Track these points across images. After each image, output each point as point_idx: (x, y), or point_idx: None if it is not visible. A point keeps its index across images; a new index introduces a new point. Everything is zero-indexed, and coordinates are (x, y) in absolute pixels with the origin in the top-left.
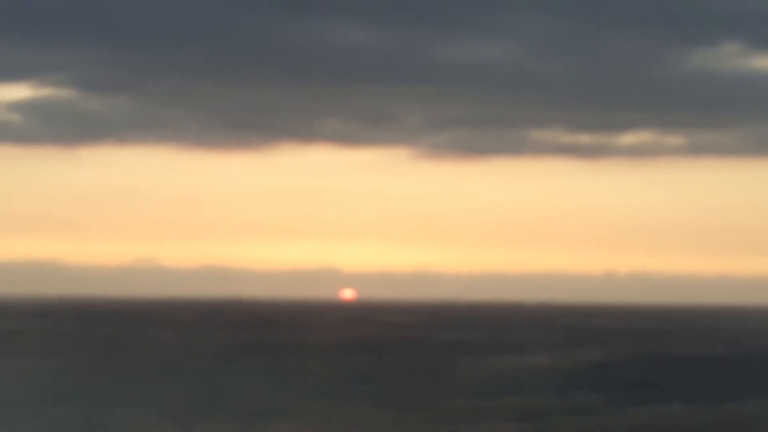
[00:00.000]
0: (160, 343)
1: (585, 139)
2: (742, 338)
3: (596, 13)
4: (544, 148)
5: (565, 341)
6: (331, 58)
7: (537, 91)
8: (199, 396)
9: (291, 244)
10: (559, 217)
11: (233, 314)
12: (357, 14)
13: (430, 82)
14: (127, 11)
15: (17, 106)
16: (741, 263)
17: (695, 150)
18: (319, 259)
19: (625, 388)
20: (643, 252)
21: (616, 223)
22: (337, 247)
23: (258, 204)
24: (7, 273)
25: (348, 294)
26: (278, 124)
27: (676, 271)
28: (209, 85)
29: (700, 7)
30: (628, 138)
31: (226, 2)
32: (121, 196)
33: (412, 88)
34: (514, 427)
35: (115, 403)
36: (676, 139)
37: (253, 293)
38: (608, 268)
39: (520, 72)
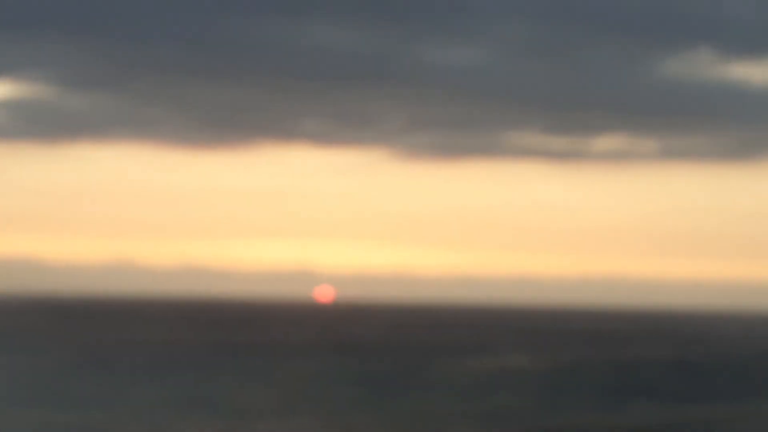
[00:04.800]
0: (139, 342)
1: (560, 142)
2: (716, 343)
3: (573, 19)
4: (521, 151)
5: (542, 344)
6: (311, 58)
7: (514, 95)
8: (179, 396)
9: (269, 244)
10: (534, 220)
11: (212, 313)
12: (338, 14)
13: (409, 84)
14: (108, 8)
15: None
16: (713, 267)
17: (669, 155)
18: (297, 260)
19: (601, 392)
20: (618, 256)
21: (591, 226)
22: (315, 248)
23: (236, 203)
24: None
25: (326, 294)
26: (258, 123)
27: (651, 275)
28: (190, 84)
29: (675, 13)
30: (603, 142)
31: (207, 0)
32: (101, 193)
33: (392, 89)
34: (494, 429)
35: (92, 403)
36: (649, 144)
37: (231, 293)
38: (583, 272)
39: (498, 75)
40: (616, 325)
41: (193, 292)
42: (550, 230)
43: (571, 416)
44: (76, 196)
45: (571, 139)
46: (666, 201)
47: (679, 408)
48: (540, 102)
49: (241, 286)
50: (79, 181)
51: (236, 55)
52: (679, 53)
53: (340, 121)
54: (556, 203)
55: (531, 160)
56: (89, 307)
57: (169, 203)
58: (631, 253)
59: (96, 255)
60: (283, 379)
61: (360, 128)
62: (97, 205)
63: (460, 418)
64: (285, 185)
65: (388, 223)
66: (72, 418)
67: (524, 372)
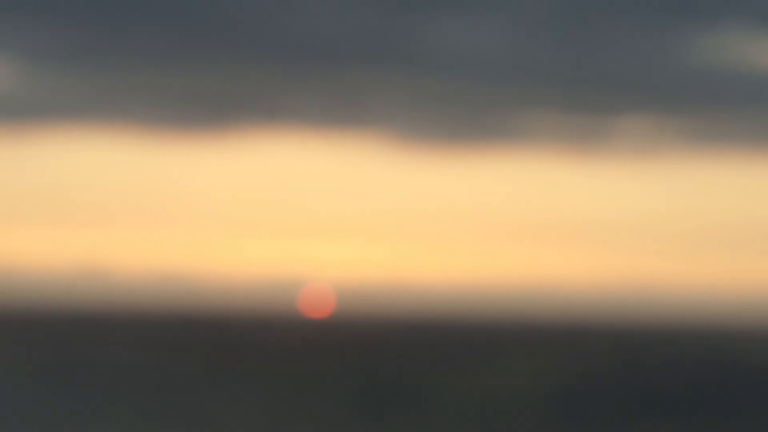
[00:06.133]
0: (108, 357)
1: (579, 127)
2: (752, 357)
3: None
4: (535, 137)
5: (557, 357)
6: (303, 36)
7: (528, 76)
8: (152, 416)
9: (257, 243)
10: (548, 216)
11: (195, 326)
12: None
13: (410, 62)
14: None
15: None
16: (750, 270)
17: (702, 140)
18: (287, 261)
19: (619, 411)
20: (641, 256)
21: (610, 221)
22: (307, 248)
23: (219, 197)
24: None
25: (320, 301)
26: (244, 106)
27: (680, 279)
28: (167, 64)
29: None
30: (627, 128)
31: None
32: (67, 187)
33: (390, 67)
34: None
35: (50, 427)
36: (680, 130)
37: (214, 299)
38: (604, 275)
39: (510, 55)
40: (639, 336)
41: (171, 299)
42: (565, 227)
43: None
44: (39, 191)
45: (591, 124)
46: (700, 194)
47: (707, 430)
48: (556, 83)
49: (225, 293)
50: (43, 174)
51: (219, 31)
52: (713, 27)
53: (331, 104)
54: (572, 196)
55: (546, 148)
56: (53, 319)
57: (144, 197)
58: (656, 253)
59: (61, 258)
60: (269, 395)
61: (356, 112)
62: (61, 201)
63: None
64: (272, 176)
65: (387, 220)
66: None
67: (534, 388)
